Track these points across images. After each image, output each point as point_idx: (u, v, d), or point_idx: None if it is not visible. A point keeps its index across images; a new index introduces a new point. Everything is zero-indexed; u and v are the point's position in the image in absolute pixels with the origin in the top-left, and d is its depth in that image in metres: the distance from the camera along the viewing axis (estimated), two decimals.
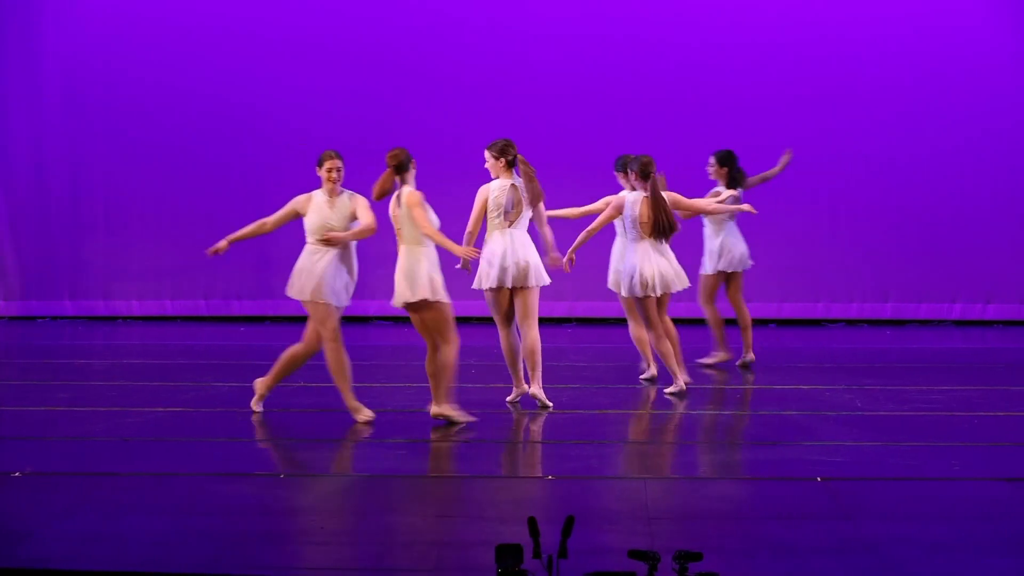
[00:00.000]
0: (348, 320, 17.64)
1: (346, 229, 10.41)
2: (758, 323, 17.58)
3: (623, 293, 11.95)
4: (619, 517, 7.79)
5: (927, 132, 17.41)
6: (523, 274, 11.00)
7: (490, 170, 11.18)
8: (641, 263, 11.73)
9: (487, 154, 11.15)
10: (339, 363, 10.39)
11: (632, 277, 11.76)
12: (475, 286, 11.18)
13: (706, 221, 13.40)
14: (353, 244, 10.50)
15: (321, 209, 10.43)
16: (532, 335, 11.01)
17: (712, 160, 13.67)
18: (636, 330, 12.23)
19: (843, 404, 11.34)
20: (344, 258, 10.44)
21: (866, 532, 7.37)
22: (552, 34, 17.53)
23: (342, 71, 17.58)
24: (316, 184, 10.57)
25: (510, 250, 11.01)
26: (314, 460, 9.21)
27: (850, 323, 17.57)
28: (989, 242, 17.44)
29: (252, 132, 17.69)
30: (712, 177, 13.64)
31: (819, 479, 8.56)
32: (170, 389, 12.10)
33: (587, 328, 17.05)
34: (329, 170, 10.44)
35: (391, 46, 17.56)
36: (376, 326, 17.37)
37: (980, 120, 17.35)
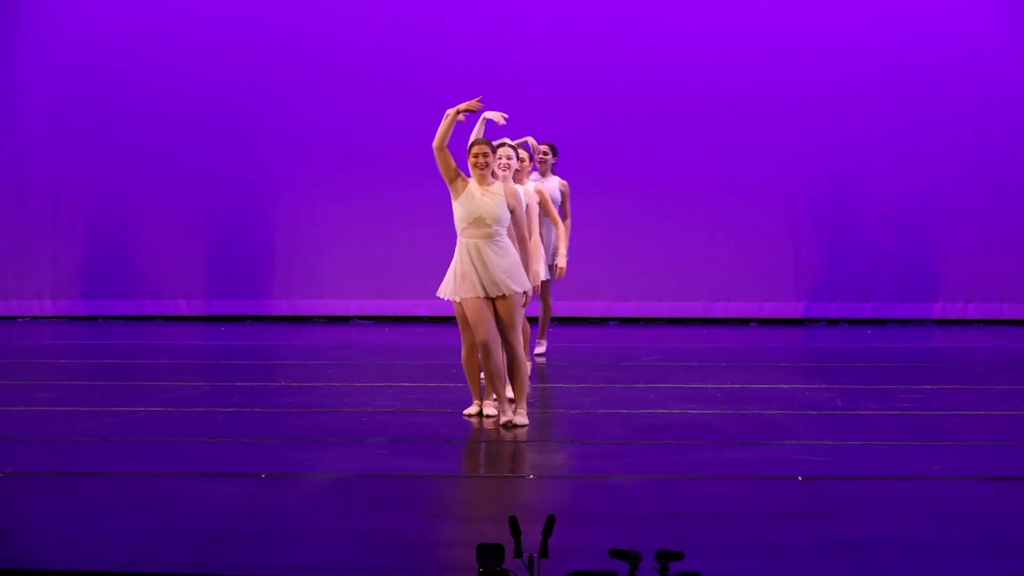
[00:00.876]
0: (329, 320, 17.65)
1: (500, 219, 9.92)
2: (739, 322, 17.63)
3: (544, 279, 12.46)
4: (600, 516, 7.79)
5: (908, 131, 17.45)
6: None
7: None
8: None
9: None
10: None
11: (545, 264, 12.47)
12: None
13: None
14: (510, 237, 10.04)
15: (473, 196, 9.97)
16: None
17: (549, 149, 13.44)
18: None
19: (824, 403, 11.35)
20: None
21: (847, 531, 7.38)
22: (551, 36, 17.54)
23: (339, 73, 17.55)
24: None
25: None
26: (296, 460, 9.19)
27: (831, 322, 17.59)
28: (970, 241, 17.49)
29: (236, 133, 17.65)
30: (542, 166, 13.39)
31: (800, 478, 8.57)
32: (152, 389, 12.08)
33: (568, 328, 17.05)
34: (476, 155, 10.00)
35: (388, 49, 17.53)
36: (356, 325, 17.35)
37: (962, 120, 17.39)
